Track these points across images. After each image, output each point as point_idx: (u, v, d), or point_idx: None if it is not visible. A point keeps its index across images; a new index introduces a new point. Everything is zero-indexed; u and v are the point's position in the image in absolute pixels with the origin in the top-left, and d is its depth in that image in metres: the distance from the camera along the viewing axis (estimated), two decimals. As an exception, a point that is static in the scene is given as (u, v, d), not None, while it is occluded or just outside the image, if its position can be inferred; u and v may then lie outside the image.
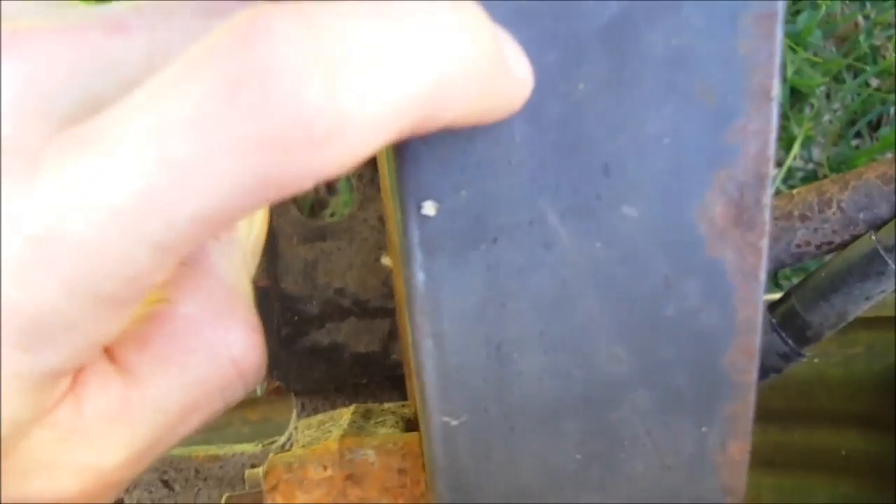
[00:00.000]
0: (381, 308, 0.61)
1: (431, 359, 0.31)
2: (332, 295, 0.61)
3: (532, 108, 0.30)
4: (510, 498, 0.32)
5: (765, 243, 0.31)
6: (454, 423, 0.32)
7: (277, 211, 0.60)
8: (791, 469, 0.84)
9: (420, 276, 0.31)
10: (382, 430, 0.42)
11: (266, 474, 0.36)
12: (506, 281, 0.31)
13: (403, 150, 0.30)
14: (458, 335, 0.31)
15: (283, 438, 0.66)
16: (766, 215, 0.31)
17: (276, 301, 0.61)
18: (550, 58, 0.29)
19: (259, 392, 0.63)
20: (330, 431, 0.43)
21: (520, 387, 0.32)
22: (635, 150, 0.31)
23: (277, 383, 0.62)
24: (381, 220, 0.60)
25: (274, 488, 0.35)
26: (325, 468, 0.36)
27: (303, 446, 0.41)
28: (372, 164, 0.61)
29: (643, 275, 0.32)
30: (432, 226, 0.31)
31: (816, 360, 0.79)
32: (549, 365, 0.32)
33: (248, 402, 1.09)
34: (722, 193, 0.31)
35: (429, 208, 0.31)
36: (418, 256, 0.31)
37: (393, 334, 0.61)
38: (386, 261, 0.52)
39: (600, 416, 0.32)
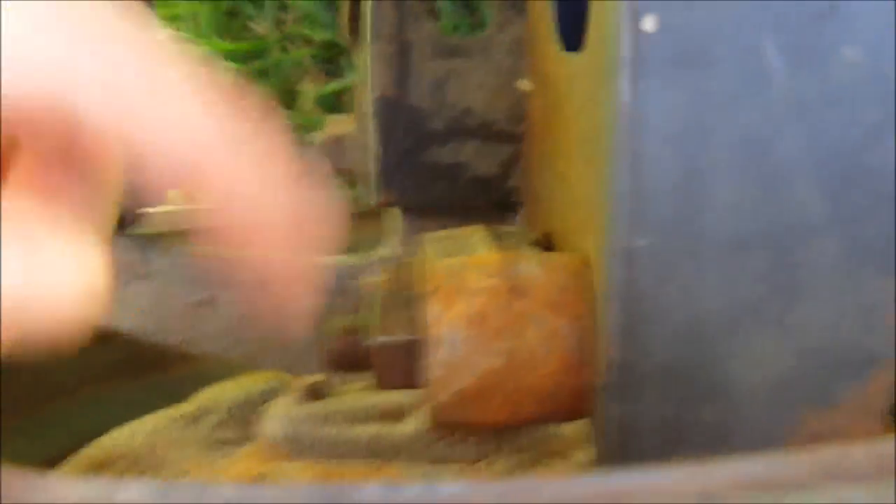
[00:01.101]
0: (507, 132, 0.60)
1: (627, 177, 0.31)
2: (459, 114, 0.60)
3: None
4: (686, 324, 0.32)
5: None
6: (641, 243, 0.31)
7: (412, 23, 0.59)
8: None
9: (627, 93, 0.30)
10: (525, 249, 0.42)
11: (426, 278, 0.36)
12: (714, 108, 0.31)
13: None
14: (657, 156, 0.31)
15: (385, 252, 0.66)
16: None
17: (401, 113, 0.60)
18: None
19: (373, 203, 0.63)
20: (465, 246, 0.43)
21: (711, 215, 0.31)
22: None
23: (392, 197, 0.62)
24: (518, 43, 0.59)
25: (435, 292, 0.35)
26: (488, 277, 0.36)
27: (445, 256, 0.41)
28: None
29: (852, 121, 0.31)
30: (650, 42, 0.30)
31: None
32: (744, 198, 0.31)
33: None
34: (945, 48, 0.30)
35: (649, 23, 0.30)
36: (629, 72, 0.30)
37: (514, 161, 0.61)
38: (523, 84, 0.51)
39: (787, 255, 0.32)
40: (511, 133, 0.60)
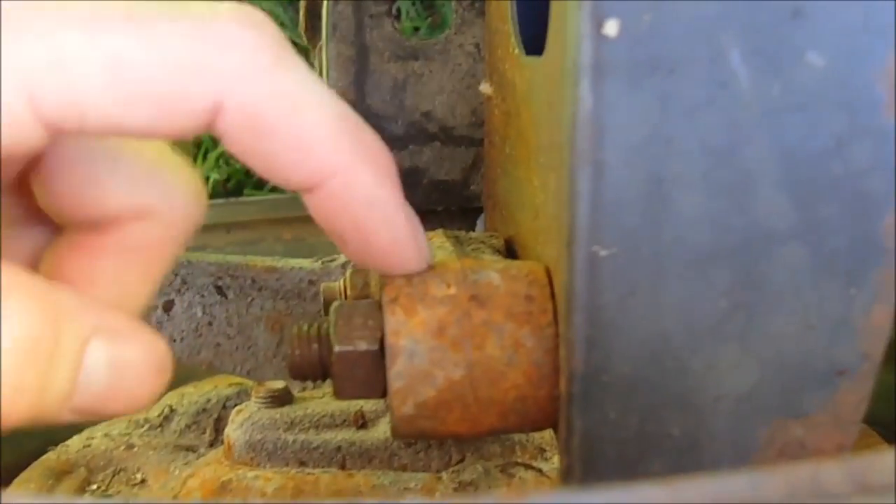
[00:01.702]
0: (467, 137, 0.59)
1: (588, 186, 0.30)
2: (419, 117, 0.59)
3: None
4: (648, 340, 0.32)
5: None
6: (603, 253, 0.31)
7: (371, 24, 0.58)
8: None
9: (588, 99, 0.30)
10: (486, 257, 0.41)
11: (385, 286, 0.35)
12: (677, 115, 0.30)
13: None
14: (619, 165, 0.30)
15: (343, 257, 0.66)
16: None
17: (359, 116, 0.59)
18: None
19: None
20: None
21: (675, 227, 0.31)
22: (828, 0, 0.29)
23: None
24: (478, 46, 0.58)
25: (394, 301, 0.35)
26: (448, 286, 0.35)
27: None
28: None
29: (816, 128, 0.30)
30: (611, 47, 0.29)
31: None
32: (709, 208, 0.30)
33: (282, 221, 1.08)
34: (906, 57, 0.30)
35: (610, 28, 0.29)
36: (590, 78, 0.30)
37: (475, 165, 0.60)
38: (484, 88, 0.50)
39: (751, 267, 0.31)
40: (472, 137, 0.60)
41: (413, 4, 1.01)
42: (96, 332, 0.28)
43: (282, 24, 1.12)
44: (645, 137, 0.30)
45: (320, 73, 0.61)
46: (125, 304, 0.32)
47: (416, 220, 0.34)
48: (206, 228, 1.09)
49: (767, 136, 0.30)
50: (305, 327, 0.39)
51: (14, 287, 0.26)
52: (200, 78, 0.28)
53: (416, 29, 1.00)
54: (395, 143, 0.60)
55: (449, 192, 0.61)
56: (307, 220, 0.34)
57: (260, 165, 0.30)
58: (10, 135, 0.26)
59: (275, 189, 1.12)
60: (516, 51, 0.43)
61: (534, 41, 0.40)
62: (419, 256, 0.34)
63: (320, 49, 0.60)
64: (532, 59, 0.40)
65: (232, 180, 1.23)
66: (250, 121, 0.29)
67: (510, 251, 0.46)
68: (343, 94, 0.58)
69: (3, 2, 0.26)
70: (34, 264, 0.33)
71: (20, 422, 0.27)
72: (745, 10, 0.29)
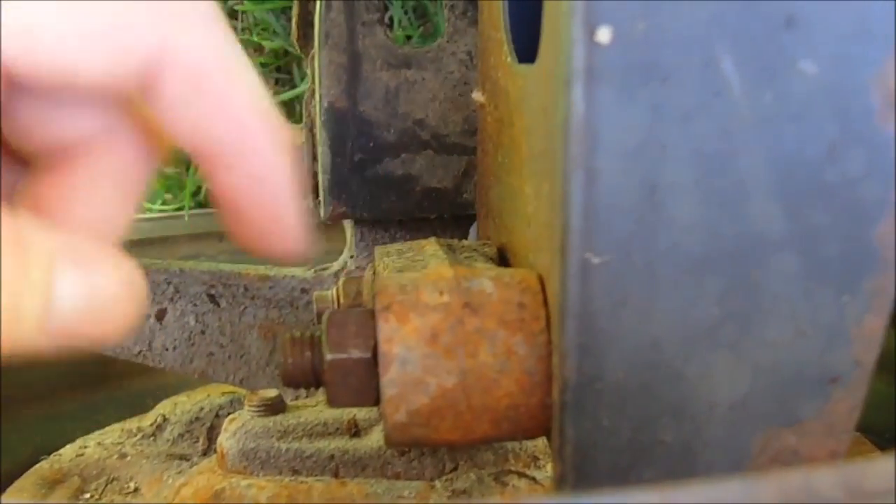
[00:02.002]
0: (460, 145, 0.59)
1: (581, 193, 0.30)
2: (411, 125, 0.59)
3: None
4: (641, 347, 0.31)
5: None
6: (596, 261, 0.31)
7: (363, 32, 0.58)
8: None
9: (581, 106, 0.30)
10: (479, 264, 0.41)
11: (377, 294, 0.35)
12: (670, 123, 0.30)
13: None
14: (612, 172, 0.30)
15: (336, 265, 0.65)
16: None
17: (352, 125, 0.59)
18: None
19: (323, 217, 0.62)
20: (417, 260, 0.42)
21: (668, 234, 0.31)
22: (822, 7, 0.29)
23: (343, 209, 0.61)
24: (470, 54, 0.58)
25: (387, 308, 0.34)
26: (441, 293, 0.35)
27: (397, 271, 0.40)
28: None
29: (810, 136, 0.30)
30: (603, 54, 0.29)
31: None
32: (702, 216, 0.30)
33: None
34: (901, 64, 0.30)
35: (603, 35, 0.29)
36: (582, 84, 0.29)
37: (468, 173, 0.60)
38: (477, 96, 0.50)
39: (744, 274, 0.31)
40: (464, 145, 0.60)
41: (405, 13, 1.00)
42: (63, 253, 0.29)
43: (274, 33, 1.11)
44: (638, 144, 0.30)
45: (312, 81, 0.61)
46: (103, 228, 0.33)
47: (302, 205, 0.34)
48: (199, 237, 1.09)
49: (761, 143, 0.30)
50: (298, 335, 0.39)
51: None
52: (149, 17, 0.29)
53: (409, 37, 1.00)
54: (387, 150, 0.60)
55: (441, 200, 0.61)
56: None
57: (186, 130, 0.31)
58: None
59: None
60: (509, 59, 0.43)
61: (526, 49, 0.40)
62: (296, 242, 0.35)
63: (312, 57, 0.60)
64: (525, 67, 0.40)
65: (224, 189, 1.22)
66: (194, 76, 0.30)
67: (503, 259, 0.46)
68: (335, 102, 0.58)
69: None
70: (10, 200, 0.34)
71: None
72: (739, 18, 0.29)
